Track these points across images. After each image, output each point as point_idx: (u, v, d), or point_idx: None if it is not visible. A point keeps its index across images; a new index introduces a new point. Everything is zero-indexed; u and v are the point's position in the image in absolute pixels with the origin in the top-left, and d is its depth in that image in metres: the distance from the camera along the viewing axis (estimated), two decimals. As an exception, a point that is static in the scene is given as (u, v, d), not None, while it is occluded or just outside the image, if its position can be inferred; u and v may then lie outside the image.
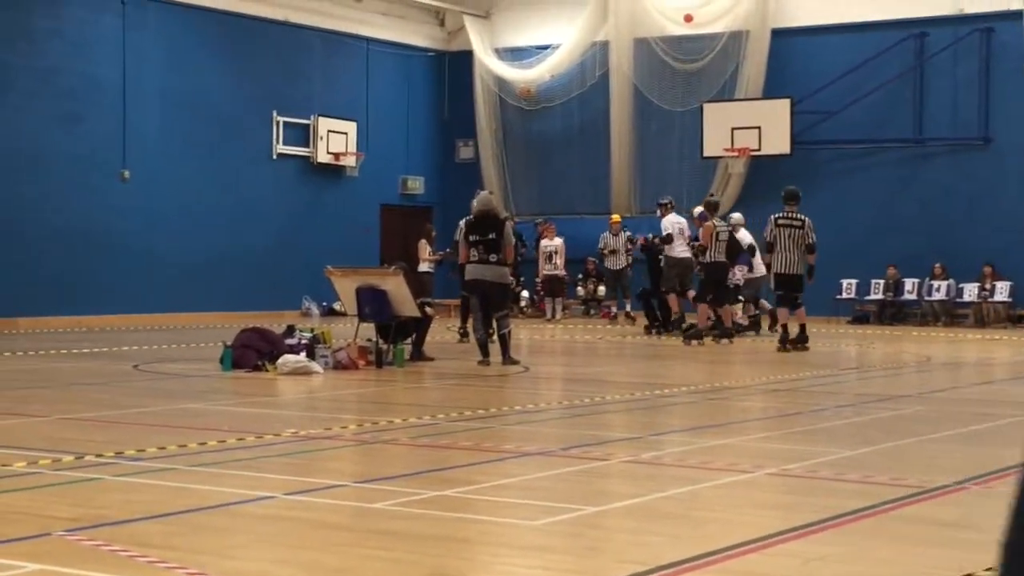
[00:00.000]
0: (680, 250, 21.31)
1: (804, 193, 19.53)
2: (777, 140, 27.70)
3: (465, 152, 32.27)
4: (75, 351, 17.91)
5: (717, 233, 20.34)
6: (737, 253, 21.31)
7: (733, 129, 28.02)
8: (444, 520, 6.61)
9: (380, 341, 15.75)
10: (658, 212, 22.25)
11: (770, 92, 28.32)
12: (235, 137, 27.33)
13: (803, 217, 18.88)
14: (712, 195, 21.80)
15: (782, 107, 27.80)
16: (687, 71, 29.41)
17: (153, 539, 6.00)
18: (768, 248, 18.91)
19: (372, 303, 15.90)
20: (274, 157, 28.39)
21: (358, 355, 15.27)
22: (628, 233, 26.22)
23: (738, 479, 7.92)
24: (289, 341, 15.08)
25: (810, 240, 18.75)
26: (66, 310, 23.89)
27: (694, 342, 19.80)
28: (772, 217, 19.03)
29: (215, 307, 24.89)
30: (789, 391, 13.55)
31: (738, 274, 21.67)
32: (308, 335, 15.31)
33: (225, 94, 27.11)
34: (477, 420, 10.86)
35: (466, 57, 31.75)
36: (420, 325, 16.43)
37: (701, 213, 21.14)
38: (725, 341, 20.15)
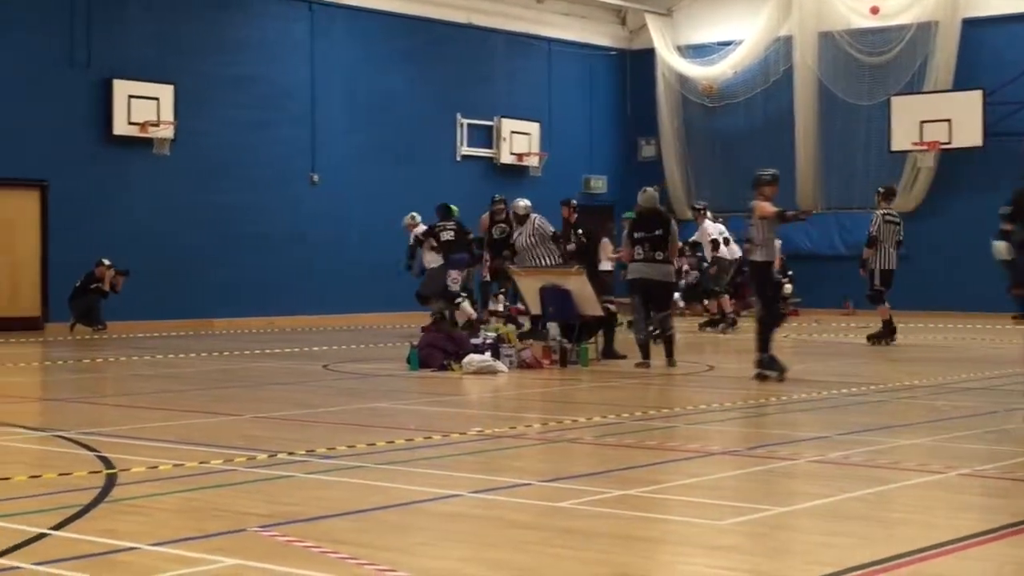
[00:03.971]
0: (725, 251, 22.96)
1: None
2: (969, 132, 27.02)
3: (647, 150, 32.17)
4: (268, 351, 18.36)
5: None
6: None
7: (922, 122, 27.44)
8: (629, 519, 6.61)
9: (564, 340, 15.79)
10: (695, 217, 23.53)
11: (961, 84, 27.62)
12: (420, 140, 27.70)
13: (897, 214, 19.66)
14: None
15: (974, 99, 27.10)
16: (874, 64, 28.83)
17: (343, 535, 6.13)
18: (870, 243, 19.06)
19: (556, 302, 15.95)
20: (458, 159, 28.69)
21: (542, 354, 15.34)
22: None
23: (929, 480, 7.75)
24: (474, 341, 15.22)
25: (900, 237, 19.32)
26: (259, 311, 24.51)
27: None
28: (880, 213, 19.25)
29: (401, 307, 25.18)
30: (982, 390, 13.19)
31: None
32: (493, 335, 15.44)
33: (410, 97, 27.50)
34: (662, 419, 10.83)
35: (648, 55, 31.64)
36: (606, 324, 16.42)
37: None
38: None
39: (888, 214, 19.20)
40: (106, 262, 21.99)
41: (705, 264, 24.01)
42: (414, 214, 21.91)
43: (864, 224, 28.57)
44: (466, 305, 20.31)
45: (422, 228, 21.57)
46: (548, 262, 18.66)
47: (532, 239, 18.72)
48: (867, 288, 19.32)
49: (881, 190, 19.77)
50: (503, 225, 21.26)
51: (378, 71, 26.94)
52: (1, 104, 21.81)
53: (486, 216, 21.76)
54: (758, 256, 13.96)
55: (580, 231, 20.35)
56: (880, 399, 12.42)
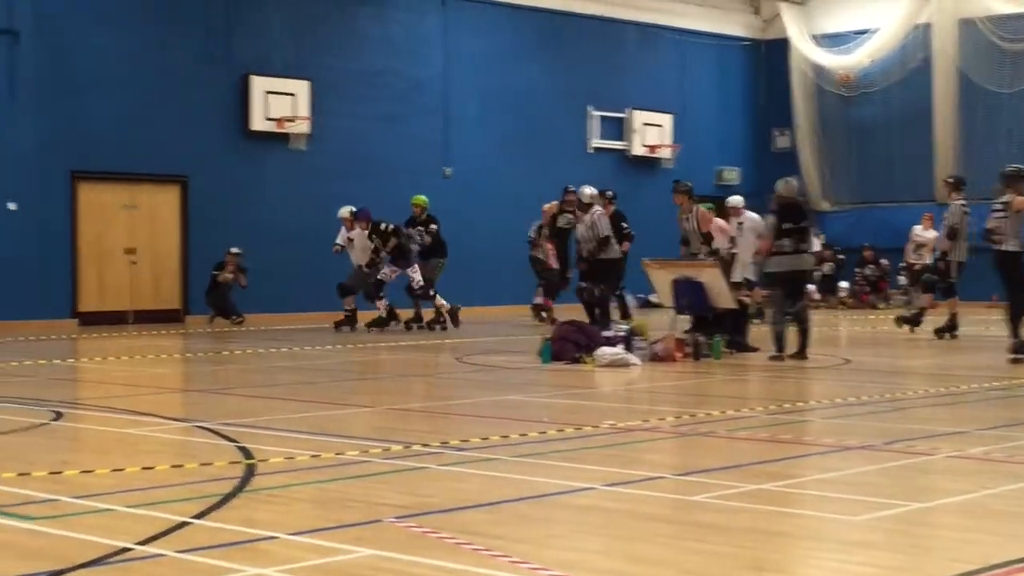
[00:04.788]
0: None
1: None
2: (1115, 119, 26.37)
3: (781, 141, 31.82)
4: (401, 343, 18.52)
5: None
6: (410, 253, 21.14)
7: (1066, 109, 26.85)
8: (764, 514, 6.56)
9: (697, 333, 15.69)
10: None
11: (1106, 69, 26.93)
12: (551, 132, 27.73)
13: None
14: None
15: (1121, 84, 26.45)
16: (1016, 51, 28.19)
17: (478, 527, 6.16)
18: (951, 235, 18.41)
19: (689, 295, 15.87)
20: (590, 151, 28.67)
21: (675, 347, 15.27)
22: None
23: (1074, 477, 7.57)
24: (606, 334, 15.21)
25: (971, 229, 18.64)
26: (394, 303, 24.71)
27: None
28: (959, 204, 18.49)
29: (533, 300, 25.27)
30: None
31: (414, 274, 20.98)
32: (625, 328, 15.41)
33: (541, 90, 27.54)
34: (796, 413, 10.72)
35: (782, 45, 31.30)
36: (738, 316, 16.29)
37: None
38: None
39: (965, 205, 18.55)
40: (233, 250, 22.26)
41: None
42: (353, 208, 21.25)
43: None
44: (384, 302, 20.59)
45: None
46: (606, 255, 18.52)
47: (590, 231, 18.53)
48: (941, 280, 18.81)
49: (951, 180, 19.16)
50: (570, 215, 21.30)
51: (510, 64, 27.03)
52: (143, 101, 22.31)
53: (554, 204, 21.89)
54: (1009, 246, 14.64)
55: (625, 224, 20.46)
56: (1022, 394, 12.15)
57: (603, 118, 28.78)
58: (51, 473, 7.63)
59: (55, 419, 10.25)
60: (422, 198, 21.58)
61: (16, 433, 9.52)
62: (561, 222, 21.81)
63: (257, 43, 23.64)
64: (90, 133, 21.77)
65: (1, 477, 7.49)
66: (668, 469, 7.96)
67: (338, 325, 21.26)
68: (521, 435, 9.23)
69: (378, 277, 20.92)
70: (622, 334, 15.15)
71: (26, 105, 21.21)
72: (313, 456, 8.22)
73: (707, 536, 6.02)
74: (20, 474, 7.57)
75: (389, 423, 10.19)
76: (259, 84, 23.44)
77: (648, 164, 29.43)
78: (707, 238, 17.15)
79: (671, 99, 29.97)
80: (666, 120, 29.63)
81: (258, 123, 23.46)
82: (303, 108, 23.84)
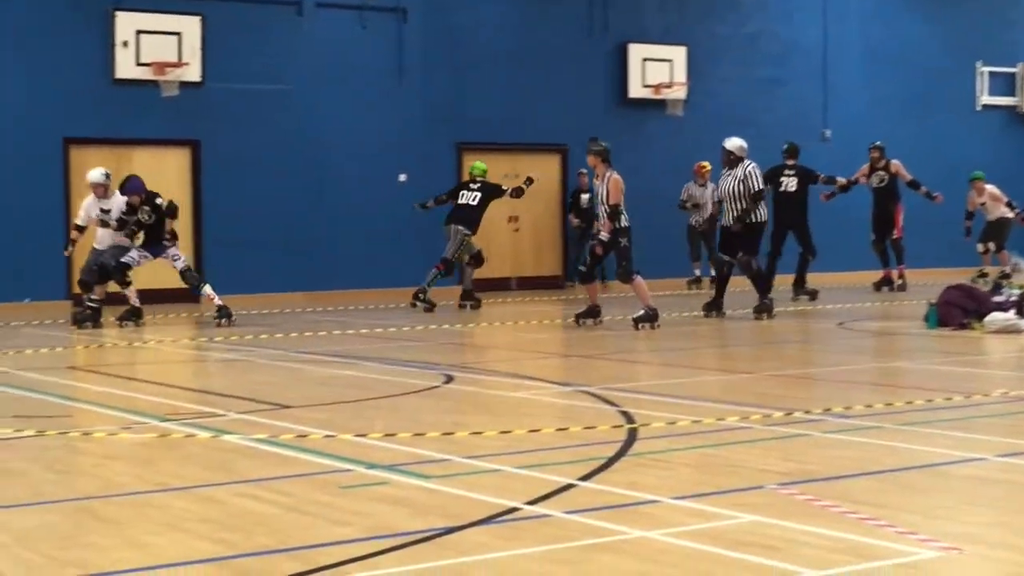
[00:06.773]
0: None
1: None
2: None
3: None
4: (779, 309, 18.25)
5: None
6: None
7: None
8: None
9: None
10: None
11: None
12: (936, 90, 26.78)
13: None
14: None
15: None
16: None
17: (861, 496, 6.08)
18: None
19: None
20: (977, 109, 27.53)
21: (1074, 313, 14.53)
22: None
23: None
24: (996, 299, 14.65)
25: None
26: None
27: None
28: None
29: (930, 263, 24.46)
30: None
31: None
32: (1016, 292, 14.79)
33: (926, 46, 26.63)
34: None
35: None
36: None
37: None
38: None
39: None
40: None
41: None
42: (106, 171, 16.88)
43: None
44: (208, 288, 16.77)
45: (121, 200, 16.51)
46: (753, 218, 16.37)
47: (740, 187, 16.60)
48: None
49: None
50: (882, 173, 21.01)
51: (891, 20, 26.28)
52: (524, 73, 22.84)
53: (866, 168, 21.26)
54: None
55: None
56: None
57: (992, 73, 27.57)
58: (443, 434, 7.98)
59: (446, 382, 10.70)
60: (480, 165, 19.39)
61: (411, 395, 9.99)
62: (874, 181, 21.13)
63: (634, 12, 23.85)
64: (474, 106, 22.49)
65: (398, 437, 7.88)
66: (1065, 440, 7.62)
67: (79, 321, 16.61)
68: (907, 403, 9.02)
69: (123, 260, 16.52)
70: (1014, 299, 14.55)
71: (413, 80, 22.11)
72: (694, 421, 8.28)
73: (1109, 512, 5.74)
74: (415, 434, 7.95)
75: (769, 389, 10.14)
76: (636, 52, 23.64)
77: (1044, 121, 28.04)
78: (612, 210, 15.31)
79: (1070, 50, 28.42)
80: (1065, 73, 28.15)
81: (635, 90, 23.67)
82: (680, 74, 23.92)
